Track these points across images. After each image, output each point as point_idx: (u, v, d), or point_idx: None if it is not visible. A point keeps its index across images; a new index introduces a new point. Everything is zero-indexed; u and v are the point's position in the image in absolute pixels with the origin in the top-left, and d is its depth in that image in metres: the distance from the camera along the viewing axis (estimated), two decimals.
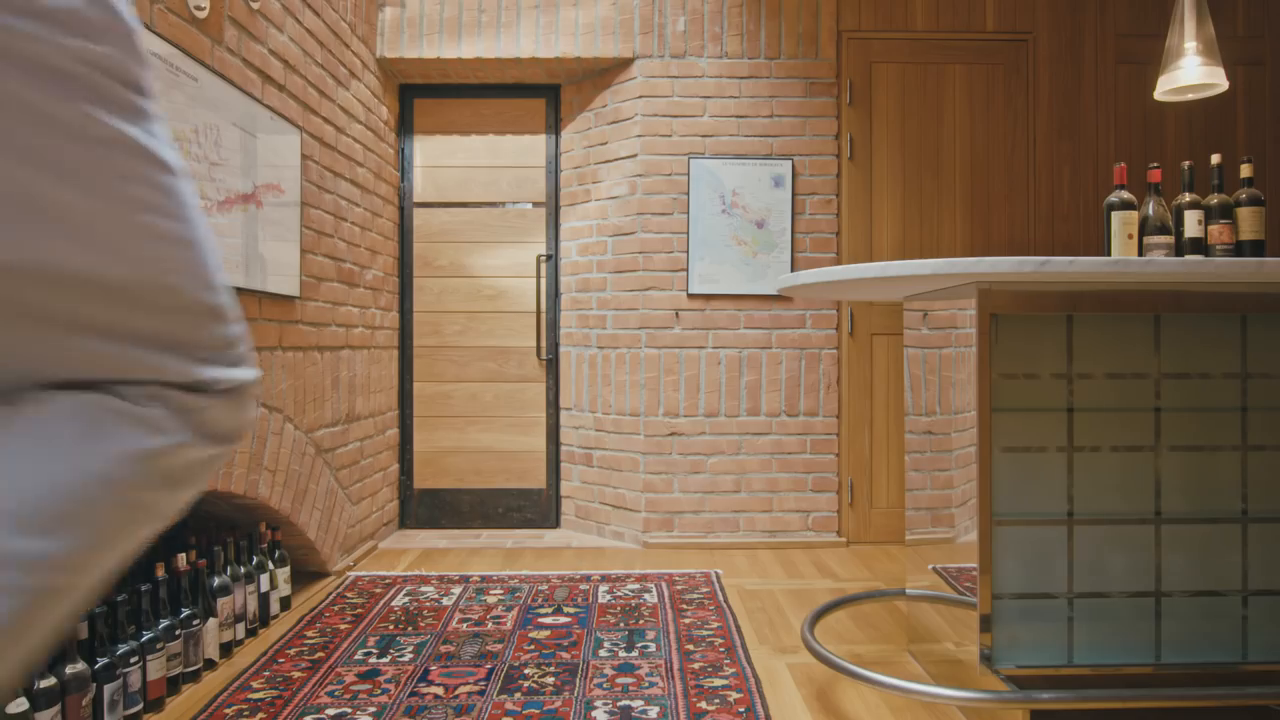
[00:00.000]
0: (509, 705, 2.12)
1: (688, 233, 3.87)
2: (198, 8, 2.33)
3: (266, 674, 2.34)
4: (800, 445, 3.89)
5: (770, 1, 3.92)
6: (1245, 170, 2.40)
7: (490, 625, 2.73)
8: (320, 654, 2.49)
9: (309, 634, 2.65)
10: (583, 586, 3.16)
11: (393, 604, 2.94)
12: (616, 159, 4.01)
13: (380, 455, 3.90)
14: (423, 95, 4.30)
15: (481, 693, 2.20)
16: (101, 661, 1.93)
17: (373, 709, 2.10)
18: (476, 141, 4.33)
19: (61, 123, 0.46)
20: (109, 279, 0.48)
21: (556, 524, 4.25)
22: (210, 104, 2.37)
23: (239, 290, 2.56)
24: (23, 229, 0.45)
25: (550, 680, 2.28)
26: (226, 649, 2.49)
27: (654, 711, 2.07)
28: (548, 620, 2.78)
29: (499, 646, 2.53)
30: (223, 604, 2.46)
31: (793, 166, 3.88)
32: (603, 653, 2.48)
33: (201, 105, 2.33)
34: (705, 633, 2.65)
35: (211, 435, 0.54)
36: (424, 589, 3.12)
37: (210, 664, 2.40)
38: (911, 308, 2.49)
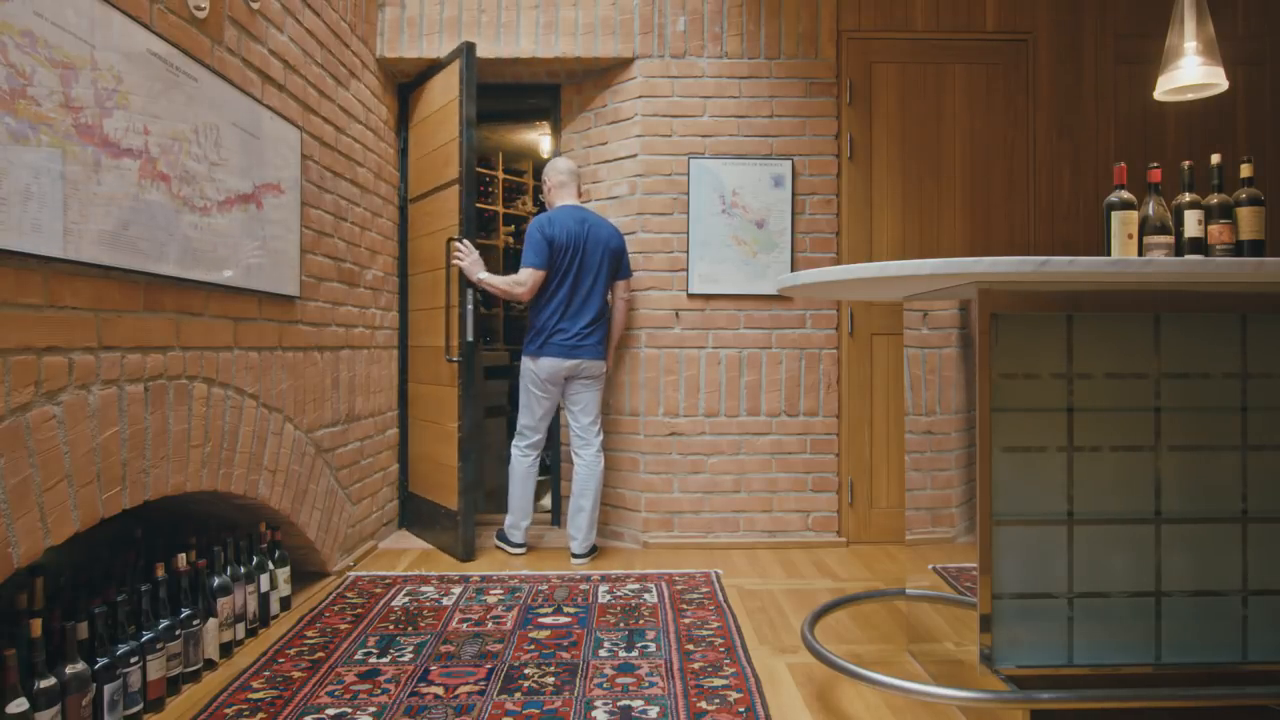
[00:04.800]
0: (509, 705, 2.12)
1: (688, 233, 3.87)
2: (198, 8, 2.32)
3: (266, 674, 2.34)
4: (800, 445, 3.88)
5: (770, 1, 3.92)
6: (1245, 170, 2.40)
7: (490, 625, 2.73)
8: (320, 654, 2.49)
9: (309, 634, 2.65)
10: (583, 586, 3.16)
11: (393, 604, 2.94)
12: (616, 159, 4.00)
13: (380, 455, 3.90)
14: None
15: (481, 693, 2.20)
16: (101, 661, 1.93)
17: (373, 709, 2.10)
18: None
19: None
20: None
21: (556, 523, 4.25)
22: (210, 104, 2.37)
23: (239, 290, 2.56)
24: None
25: (550, 680, 2.28)
26: (226, 649, 2.49)
27: (654, 711, 2.07)
28: (548, 620, 2.78)
29: (499, 646, 2.53)
30: (223, 604, 2.46)
31: (793, 166, 3.88)
32: (603, 652, 2.48)
33: (201, 105, 2.33)
34: (705, 633, 2.65)
35: None
36: (424, 589, 3.12)
37: (210, 664, 2.40)
38: (911, 308, 2.49)
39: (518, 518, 3.66)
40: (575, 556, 3.58)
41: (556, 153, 4.31)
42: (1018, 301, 1.98)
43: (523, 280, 3.48)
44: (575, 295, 3.52)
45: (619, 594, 3.06)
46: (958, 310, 2.13)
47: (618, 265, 3.63)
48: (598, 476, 3.59)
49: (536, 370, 3.53)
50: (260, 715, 2.08)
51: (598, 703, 2.13)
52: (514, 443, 3.69)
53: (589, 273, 3.53)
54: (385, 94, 4.02)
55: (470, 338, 3.56)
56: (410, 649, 2.52)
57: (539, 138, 6.44)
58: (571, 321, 3.51)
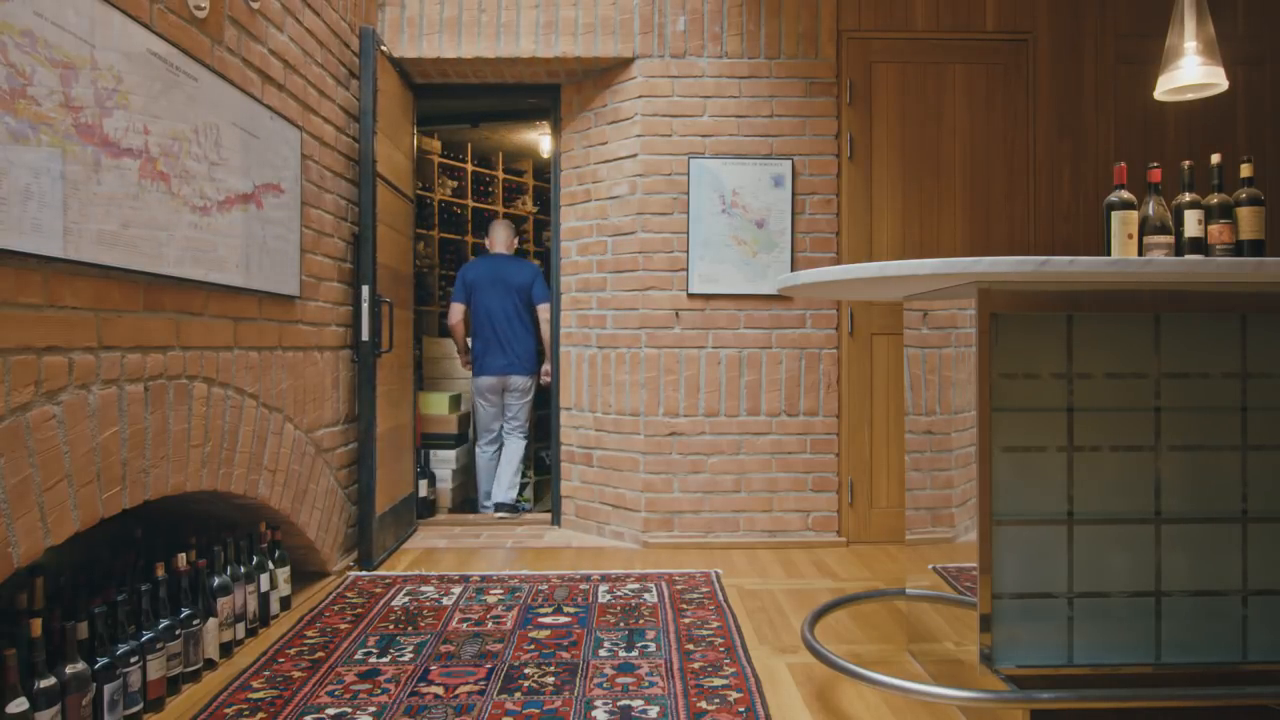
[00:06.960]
0: (509, 705, 2.12)
1: (688, 233, 3.87)
2: (198, 8, 2.32)
3: (266, 674, 2.34)
4: (800, 445, 3.88)
5: (770, 1, 3.92)
6: (1245, 170, 2.40)
7: (490, 625, 2.73)
8: (320, 654, 2.49)
9: (309, 634, 2.65)
10: (583, 586, 3.16)
11: (393, 604, 2.94)
12: (616, 159, 4.00)
13: None
14: (423, 95, 4.30)
15: (481, 692, 2.20)
16: (101, 661, 1.93)
17: (373, 709, 2.10)
18: None
19: None
20: None
21: (556, 523, 4.25)
22: (210, 104, 2.37)
23: (239, 290, 2.56)
24: None
25: (550, 680, 2.28)
26: (226, 649, 2.49)
27: (654, 711, 2.07)
28: (548, 620, 2.78)
29: (499, 646, 2.53)
30: (223, 604, 2.46)
31: (793, 166, 3.88)
32: (603, 652, 2.48)
33: (201, 105, 2.32)
34: (705, 632, 2.65)
35: None
36: (424, 589, 3.12)
37: (210, 664, 2.40)
38: (911, 308, 2.49)
39: (487, 487, 4.74)
40: (500, 507, 4.50)
41: (556, 153, 4.32)
42: (1018, 301, 1.98)
43: (451, 316, 4.75)
44: (496, 325, 4.60)
45: (619, 594, 3.06)
46: (958, 310, 2.13)
47: (530, 296, 4.64)
48: (521, 451, 4.71)
49: (478, 385, 4.72)
50: (260, 715, 2.08)
51: (598, 702, 2.13)
52: (476, 445, 4.81)
53: (506, 307, 4.60)
54: None
55: (365, 336, 3.40)
56: (410, 649, 2.52)
57: (539, 137, 6.44)
58: (499, 347, 4.61)
